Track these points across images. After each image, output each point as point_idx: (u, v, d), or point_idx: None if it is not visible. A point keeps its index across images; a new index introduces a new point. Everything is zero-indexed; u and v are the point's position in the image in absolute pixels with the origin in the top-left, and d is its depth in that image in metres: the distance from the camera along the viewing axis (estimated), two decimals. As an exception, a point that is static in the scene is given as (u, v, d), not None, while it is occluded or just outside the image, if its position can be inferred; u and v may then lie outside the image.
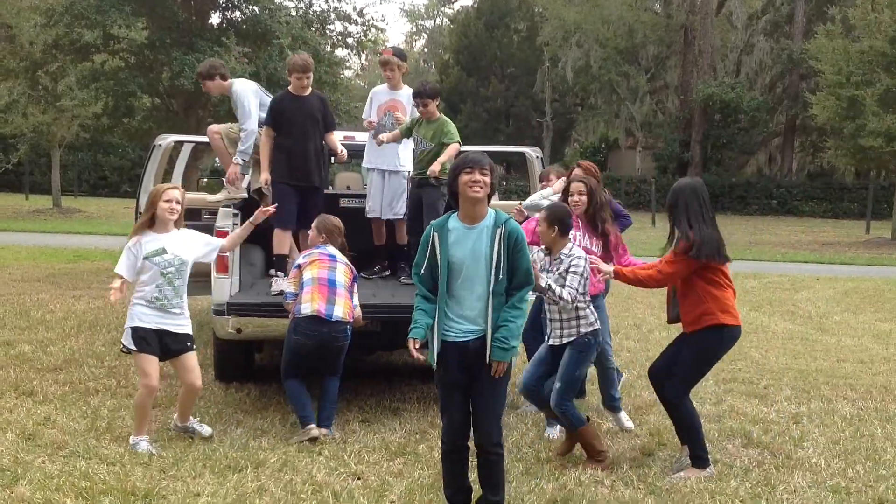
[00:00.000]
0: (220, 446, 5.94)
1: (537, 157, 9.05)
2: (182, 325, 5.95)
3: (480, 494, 4.83)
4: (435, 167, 7.25)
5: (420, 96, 7.43)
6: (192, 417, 6.25)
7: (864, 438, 6.65)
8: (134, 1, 24.18)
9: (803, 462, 6.06)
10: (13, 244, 18.17)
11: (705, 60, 38.80)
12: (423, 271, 4.66)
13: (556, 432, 6.45)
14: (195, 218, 8.04)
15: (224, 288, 6.87)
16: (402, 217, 7.87)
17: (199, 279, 6.90)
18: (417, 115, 7.56)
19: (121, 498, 5.00)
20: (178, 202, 5.86)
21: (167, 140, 9.10)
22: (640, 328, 11.15)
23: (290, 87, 7.37)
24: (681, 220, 5.61)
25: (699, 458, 5.72)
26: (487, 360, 4.52)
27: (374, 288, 7.48)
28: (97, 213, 28.99)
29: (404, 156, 7.88)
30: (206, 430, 6.18)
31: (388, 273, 8.02)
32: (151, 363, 5.83)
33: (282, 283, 6.82)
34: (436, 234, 4.60)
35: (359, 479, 5.51)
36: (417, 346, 4.60)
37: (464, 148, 10.46)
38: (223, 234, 6.94)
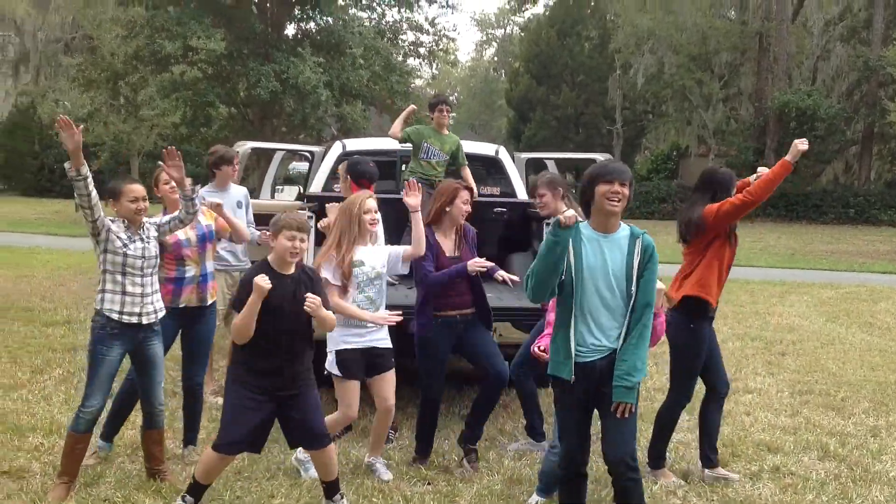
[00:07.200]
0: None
1: (609, 164, 9.01)
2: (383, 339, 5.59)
3: None
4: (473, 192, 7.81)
5: (446, 103, 7.75)
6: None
7: (946, 453, 6.49)
8: (213, 13, 24.71)
9: (881, 476, 5.94)
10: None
11: (780, 67, 38.12)
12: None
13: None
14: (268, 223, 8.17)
15: None
16: None
17: None
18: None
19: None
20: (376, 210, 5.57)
21: (245, 147, 9.27)
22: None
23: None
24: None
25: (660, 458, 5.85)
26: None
27: None
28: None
29: None
30: (386, 473, 5.71)
31: None
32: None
33: None
34: (570, 239, 4.22)
35: (429, 483, 5.57)
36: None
37: (532, 155, 10.52)
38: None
